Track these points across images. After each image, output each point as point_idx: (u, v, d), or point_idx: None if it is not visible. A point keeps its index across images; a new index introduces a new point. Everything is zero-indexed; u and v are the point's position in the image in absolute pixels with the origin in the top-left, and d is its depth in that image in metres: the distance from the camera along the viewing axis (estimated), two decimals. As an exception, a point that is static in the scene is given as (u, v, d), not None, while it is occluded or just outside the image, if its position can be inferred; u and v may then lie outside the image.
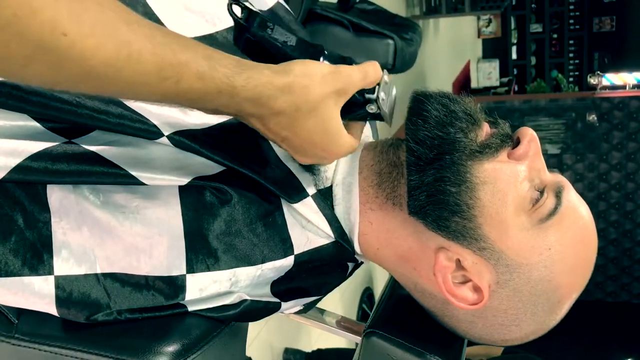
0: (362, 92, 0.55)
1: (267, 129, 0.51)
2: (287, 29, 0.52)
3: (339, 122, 0.53)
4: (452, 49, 6.25)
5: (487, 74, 6.84)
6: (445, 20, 5.56)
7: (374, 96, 0.55)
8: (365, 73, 0.53)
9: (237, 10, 0.49)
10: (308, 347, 2.73)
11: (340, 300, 2.89)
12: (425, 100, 0.59)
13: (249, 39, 0.50)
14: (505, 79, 6.98)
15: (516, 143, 0.62)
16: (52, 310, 0.54)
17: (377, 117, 0.58)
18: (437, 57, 5.50)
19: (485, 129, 0.61)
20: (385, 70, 0.57)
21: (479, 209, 0.58)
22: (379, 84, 0.56)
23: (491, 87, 6.64)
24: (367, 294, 3.34)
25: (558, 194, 0.60)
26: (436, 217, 0.58)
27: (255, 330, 2.20)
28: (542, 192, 0.60)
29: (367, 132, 0.72)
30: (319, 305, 0.83)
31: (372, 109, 0.56)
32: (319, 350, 2.63)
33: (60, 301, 0.53)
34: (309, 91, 0.48)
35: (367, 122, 0.72)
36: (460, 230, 0.59)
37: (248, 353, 2.12)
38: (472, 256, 0.60)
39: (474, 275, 0.60)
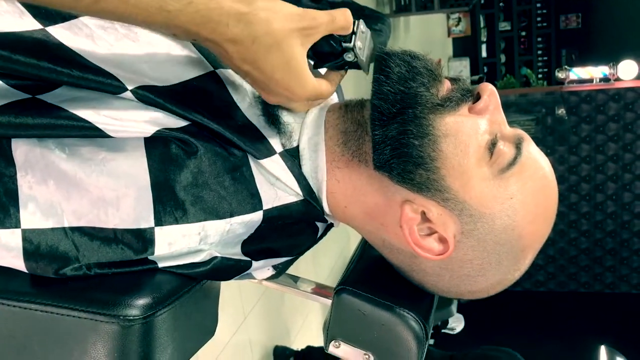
0: (339, 41, 0.57)
1: (228, 59, 0.52)
2: None
3: (303, 63, 0.54)
4: (422, 49, 6.27)
5: (458, 72, 6.94)
6: (415, 20, 5.62)
7: (350, 45, 0.58)
8: (333, 17, 0.55)
9: None
10: (287, 344, 2.73)
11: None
12: (387, 57, 0.61)
13: None
14: (476, 77, 7.10)
15: (476, 98, 0.64)
16: (20, 264, 0.54)
17: (355, 65, 0.60)
18: (409, 56, 5.53)
19: (447, 85, 0.63)
20: (361, 20, 0.59)
21: (442, 160, 0.60)
22: (355, 33, 0.58)
23: (462, 85, 6.72)
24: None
25: (518, 145, 0.62)
26: (401, 170, 0.60)
27: (234, 327, 2.20)
28: (494, 144, 0.61)
29: (332, 95, 0.74)
30: (293, 272, 0.84)
31: (349, 57, 0.59)
32: (309, 348, 2.63)
33: (27, 254, 0.53)
34: (270, 24, 0.50)
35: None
36: (424, 182, 0.60)
37: (227, 350, 2.11)
38: (437, 207, 0.61)
39: (439, 226, 0.62)
